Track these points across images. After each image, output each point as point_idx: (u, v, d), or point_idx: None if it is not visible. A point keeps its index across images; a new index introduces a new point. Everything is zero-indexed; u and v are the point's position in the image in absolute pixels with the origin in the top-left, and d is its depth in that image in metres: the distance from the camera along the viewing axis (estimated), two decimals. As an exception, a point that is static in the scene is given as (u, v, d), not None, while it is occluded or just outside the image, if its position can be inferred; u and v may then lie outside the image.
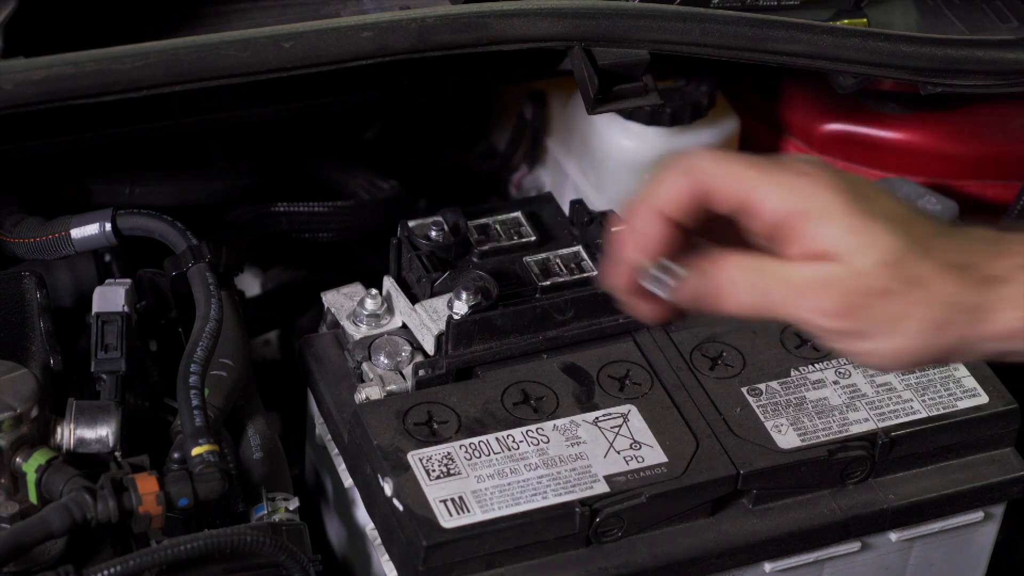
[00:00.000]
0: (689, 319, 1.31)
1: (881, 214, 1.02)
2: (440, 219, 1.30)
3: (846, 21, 1.35)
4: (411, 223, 1.31)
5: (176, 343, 1.29)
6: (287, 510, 1.20)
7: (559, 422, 1.22)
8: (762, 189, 1.02)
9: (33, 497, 1.13)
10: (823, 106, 1.52)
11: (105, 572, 1.08)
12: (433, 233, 1.30)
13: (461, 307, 1.25)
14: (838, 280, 1.01)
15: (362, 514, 1.24)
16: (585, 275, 1.28)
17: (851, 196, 1.02)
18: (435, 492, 1.16)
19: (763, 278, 1.03)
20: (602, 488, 1.18)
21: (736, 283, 1.03)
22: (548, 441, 1.21)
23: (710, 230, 1.06)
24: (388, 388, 1.24)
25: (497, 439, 1.21)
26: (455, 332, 1.24)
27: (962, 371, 1.30)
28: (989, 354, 1.05)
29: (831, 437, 1.23)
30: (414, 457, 1.18)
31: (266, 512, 1.19)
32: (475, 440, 1.20)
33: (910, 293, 1.01)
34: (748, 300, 1.03)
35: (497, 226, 1.32)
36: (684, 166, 1.04)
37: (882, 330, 1.02)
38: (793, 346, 1.29)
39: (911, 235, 1.02)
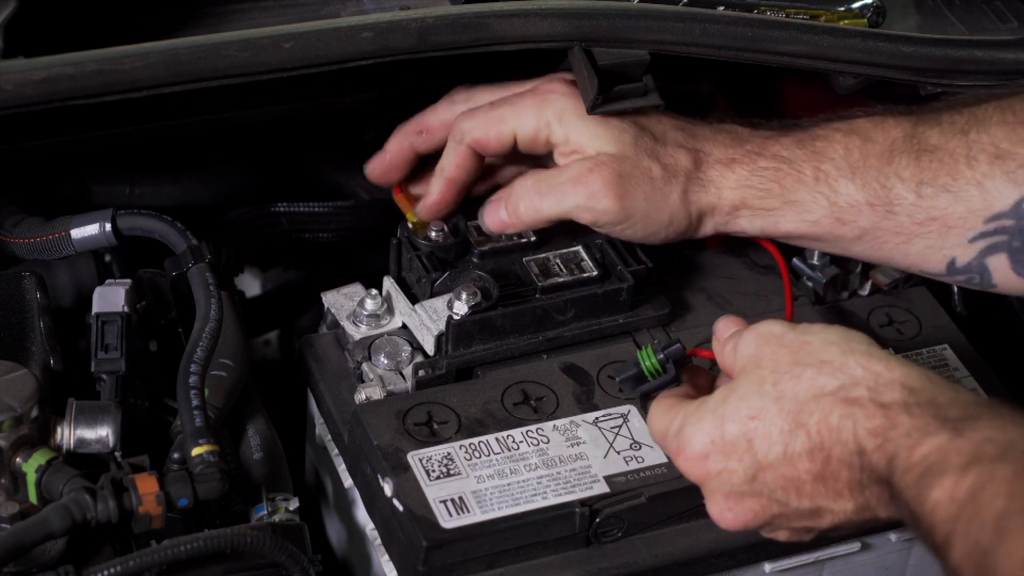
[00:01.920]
0: (689, 319, 1.31)
1: (613, 117, 1.24)
2: (440, 219, 1.30)
3: (846, 21, 1.35)
4: (411, 223, 1.31)
5: (176, 343, 1.29)
6: (287, 510, 1.20)
7: (559, 422, 1.22)
8: (516, 119, 1.25)
9: (33, 497, 1.13)
10: (823, 106, 1.51)
11: (105, 572, 1.08)
12: (433, 233, 1.30)
13: (461, 307, 1.24)
14: (597, 167, 1.23)
15: (362, 514, 1.24)
16: (585, 275, 1.28)
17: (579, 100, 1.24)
18: (435, 492, 1.16)
19: (539, 182, 1.25)
20: (602, 488, 1.18)
21: (517, 192, 1.25)
22: (548, 441, 1.21)
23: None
24: (388, 388, 1.24)
25: (497, 439, 1.21)
26: (455, 332, 1.24)
27: (962, 371, 1.30)
28: (717, 229, 1.27)
29: (831, 437, 1.23)
30: (414, 457, 1.18)
31: (266, 512, 1.19)
32: (475, 440, 1.20)
33: (661, 173, 1.23)
34: (528, 203, 1.25)
35: (497, 226, 1.32)
36: (455, 134, 1.28)
37: (645, 208, 1.23)
38: (793, 346, 1.29)
39: (644, 126, 1.25)
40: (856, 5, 1.37)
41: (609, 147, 1.24)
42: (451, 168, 1.29)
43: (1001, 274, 1.21)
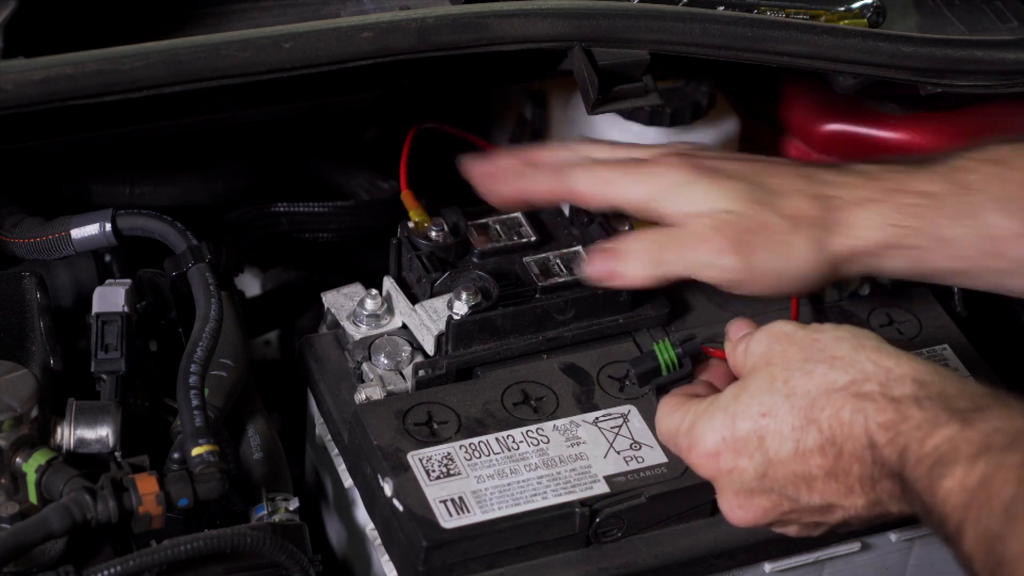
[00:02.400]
0: (689, 319, 1.31)
1: (726, 175, 1.21)
2: (440, 219, 1.30)
3: (846, 21, 1.35)
4: (411, 223, 1.31)
5: (176, 343, 1.29)
6: (287, 510, 1.20)
7: (559, 422, 1.22)
8: (618, 188, 1.23)
9: (33, 497, 1.13)
10: (823, 106, 1.51)
11: (105, 572, 1.08)
12: (433, 233, 1.30)
13: (461, 307, 1.24)
14: (722, 223, 1.19)
15: (362, 514, 1.24)
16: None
17: (694, 166, 1.22)
18: (435, 492, 1.16)
19: (662, 237, 1.21)
20: (602, 488, 1.18)
21: (633, 249, 1.22)
22: (548, 441, 1.21)
23: None
24: (388, 388, 1.24)
25: (497, 439, 1.21)
26: (455, 332, 1.24)
27: (962, 371, 1.30)
28: (862, 272, 1.23)
29: (831, 437, 1.23)
30: (414, 457, 1.18)
31: (266, 512, 1.19)
32: (475, 440, 1.20)
33: (785, 226, 1.19)
34: (648, 258, 1.21)
35: (497, 226, 1.32)
36: (565, 171, 1.25)
37: (772, 264, 1.19)
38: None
39: (757, 180, 1.21)
40: (856, 5, 1.37)
41: (724, 204, 1.20)
42: (538, 192, 1.27)
43: None
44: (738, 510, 1.11)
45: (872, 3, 1.37)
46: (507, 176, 1.28)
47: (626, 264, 1.22)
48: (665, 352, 1.18)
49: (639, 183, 1.23)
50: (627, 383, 1.25)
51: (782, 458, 1.07)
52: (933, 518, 1.00)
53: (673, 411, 1.14)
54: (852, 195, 1.20)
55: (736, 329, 1.15)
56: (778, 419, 1.07)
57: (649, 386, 1.20)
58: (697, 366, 1.19)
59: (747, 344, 1.12)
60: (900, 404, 1.03)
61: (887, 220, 1.19)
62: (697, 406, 1.12)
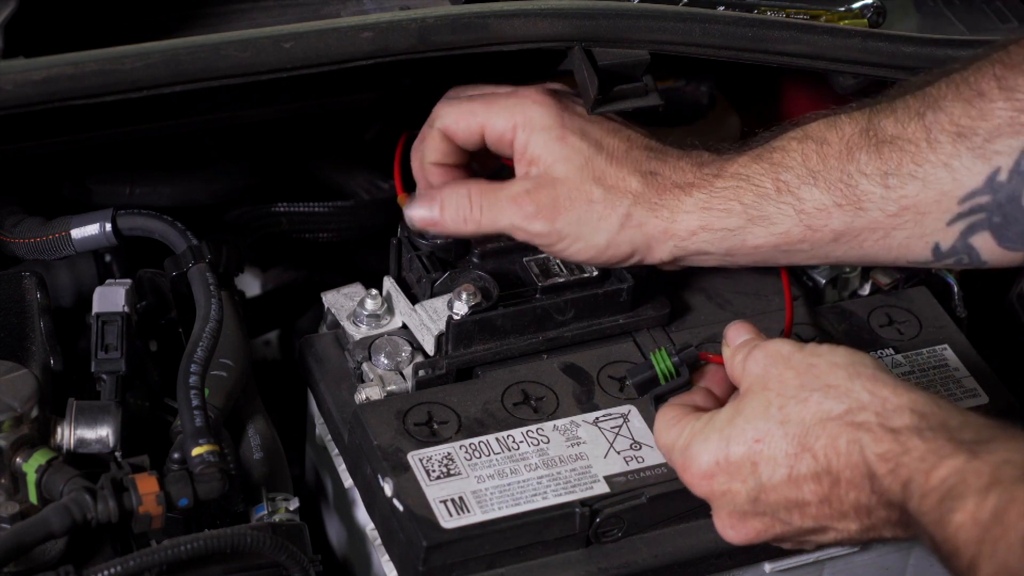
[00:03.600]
0: (689, 319, 1.31)
1: (578, 129, 1.23)
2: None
3: (846, 21, 1.35)
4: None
5: (176, 343, 1.29)
6: (287, 510, 1.20)
7: (559, 422, 1.22)
8: (487, 115, 1.25)
9: (33, 497, 1.13)
10: (823, 106, 1.51)
11: (105, 572, 1.08)
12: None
13: (461, 307, 1.24)
14: (536, 188, 1.23)
15: (362, 514, 1.24)
16: (585, 275, 1.28)
17: (557, 112, 1.24)
18: (435, 492, 1.16)
19: (479, 195, 1.24)
20: (602, 488, 1.18)
21: (451, 202, 1.25)
22: (548, 441, 1.21)
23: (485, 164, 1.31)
24: (388, 388, 1.24)
25: (497, 439, 1.21)
26: (455, 332, 1.24)
27: (962, 371, 1.30)
28: (674, 254, 1.24)
29: (831, 437, 1.23)
30: (414, 457, 1.18)
31: (266, 512, 1.19)
32: (475, 440, 1.20)
33: (602, 195, 1.22)
34: (461, 212, 1.24)
35: (497, 226, 1.32)
36: (430, 118, 1.28)
37: (579, 231, 1.22)
38: (793, 346, 1.29)
39: (603, 146, 1.23)
40: (856, 5, 1.37)
41: (558, 167, 1.23)
42: (428, 152, 1.28)
43: (988, 251, 1.20)
44: (730, 530, 1.12)
45: (872, 3, 1.37)
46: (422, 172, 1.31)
47: (444, 214, 1.25)
48: (662, 361, 1.18)
49: (502, 112, 1.25)
50: (627, 383, 1.25)
51: (775, 483, 1.08)
52: (943, 551, 0.99)
53: (670, 426, 1.14)
54: (678, 178, 1.23)
55: (734, 334, 1.16)
56: (772, 445, 1.08)
57: (647, 395, 1.20)
58: (695, 372, 1.19)
59: (745, 360, 1.12)
60: (899, 435, 1.03)
61: (702, 204, 1.22)
62: (694, 424, 1.12)
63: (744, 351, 1.13)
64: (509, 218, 1.24)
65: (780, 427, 1.07)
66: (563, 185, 1.23)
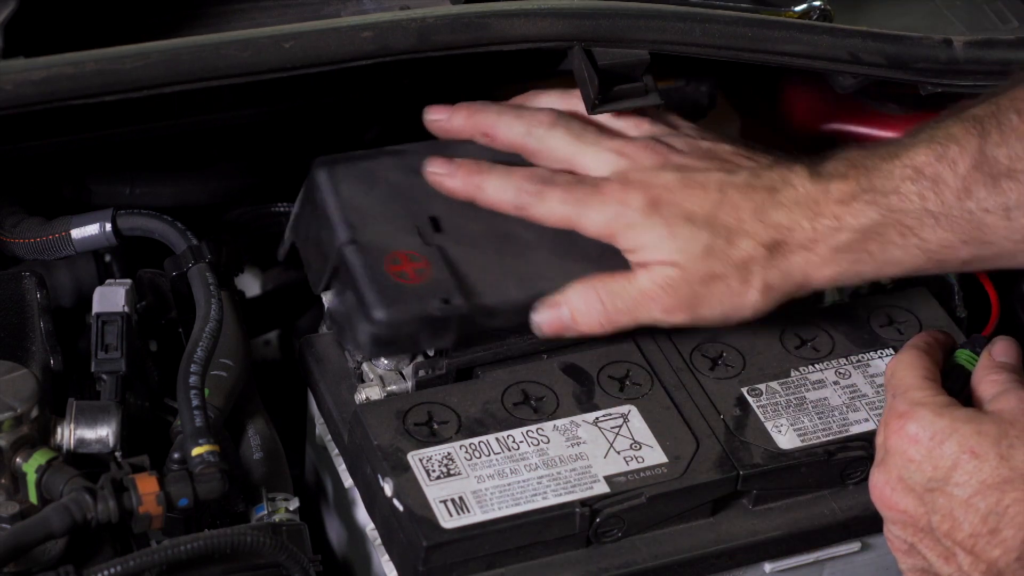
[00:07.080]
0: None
1: (681, 215, 1.21)
2: (440, 219, 1.30)
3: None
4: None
5: (176, 343, 1.29)
6: (287, 510, 1.20)
7: (559, 422, 1.22)
8: (575, 220, 1.23)
9: (33, 497, 1.13)
10: (823, 106, 1.52)
11: (105, 572, 1.08)
12: (433, 233, 1.29)
13: (461, 307, 1.24)
14: (670, 281, 1.21)
15: (362, 514, 1.24)
16: (585, 275, 1.28)
17: (652, 200, 1.22)
18: (435, 492, 1.16)
19: (610, 296, 1.22)
20: (602, 488, 1.18)
21: (581, 307, 1.23)
22: (548, 441, 1.21)
23: None
24: (388, 388, 1.24)
25: (497, 439, 1.21)
26: (455, 332, 1.24)
27: (962, 371, 1.30)
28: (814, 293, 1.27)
29: (831, 437, 1.23)
30: (414, 457, 1.18)
31: (266, 512, 1.19)
32: (475, 440, 1.20)
33: (733, 272, 1.21)
34: (596, 316, 1.22)
35: (497, 226, 1.32)
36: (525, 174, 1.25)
37: (724, 314, 1.23)
38: (793, 346, 1.29)
39: (715, 227, 1.21)
40: (798, 8, 1.37)
41: (673, 255, 1.21)
42: (495, 204, 1.26)
43: None
44: (887, 488, 1.14)
45: (819, 5, 1.37)
46: (459, 135, 1.29)
47: (577, 320, 1.23)
48: (968, 361, 1.21)
49: (595, 215, 1.23)
50: (627, 383, 1.25)
51: (954, 493, 1.11)
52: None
53: (915, 367, 1.17)
54: (800, 236, 1.22)
55: (1001, 351, 1.19)
56: (980, 468, 1.10)
57: (959, 391, 1.20)
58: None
59: (1005, 386, 1.15)
60: None
61: (830, 258, 1.22)
62: (938, 395, 1.15)
63: (1005, 373, 1.17)
64: (649, 313, 1.23)
65: (998, 458, 1.10)
66: (691, 274, 1.22)
